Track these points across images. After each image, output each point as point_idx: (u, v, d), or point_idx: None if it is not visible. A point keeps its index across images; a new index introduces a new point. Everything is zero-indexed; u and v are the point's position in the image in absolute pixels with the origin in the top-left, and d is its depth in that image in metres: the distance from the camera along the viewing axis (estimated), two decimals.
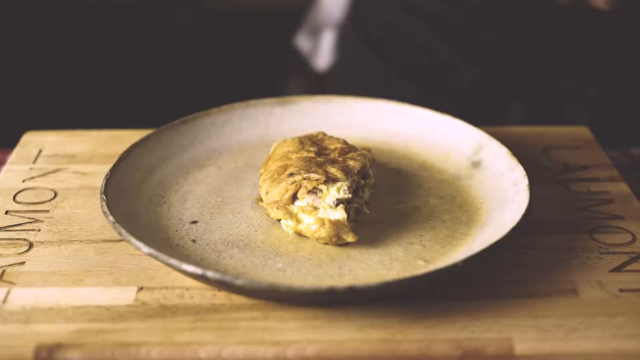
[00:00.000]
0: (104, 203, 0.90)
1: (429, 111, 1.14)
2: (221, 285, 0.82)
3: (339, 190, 0.91)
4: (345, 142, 1.03)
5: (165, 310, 0.83)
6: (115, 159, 1.00)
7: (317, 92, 1.75)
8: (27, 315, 0.82)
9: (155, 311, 0.82)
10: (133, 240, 0.84)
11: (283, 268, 0.87)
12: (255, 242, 0.92)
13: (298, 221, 0.92)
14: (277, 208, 0.92)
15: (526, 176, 0.96)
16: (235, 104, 1.16)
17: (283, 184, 0.93)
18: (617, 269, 0.89)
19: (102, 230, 0.96)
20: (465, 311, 0.82)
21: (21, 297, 0.84)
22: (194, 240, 0.92)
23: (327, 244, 0.91)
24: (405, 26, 1.53)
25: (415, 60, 1.56)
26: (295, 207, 0.92)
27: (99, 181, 1.05)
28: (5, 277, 0.87)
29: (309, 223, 0.91)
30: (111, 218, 0.87)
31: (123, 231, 0.85)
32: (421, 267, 0.87)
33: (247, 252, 0.90)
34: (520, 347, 0.78)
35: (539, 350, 0.78)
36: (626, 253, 0.91)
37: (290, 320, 0.82)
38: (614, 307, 0.83)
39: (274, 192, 0.93)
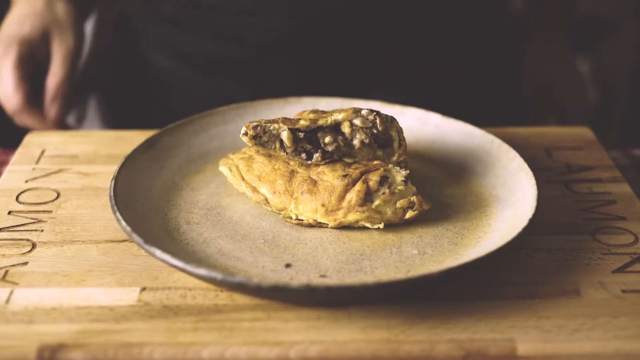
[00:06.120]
0: (115, 208, 0.89)
1: (432, 114, 1.14)
2: (226, 285, 0.82)
3: (399, 171, 0.94)
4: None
5: (168, 311, 0.83)
6: (117, 160, 1.00)
7: None
8: (30, 316, 0.82)
9: (158, 311, 0.83)
10: (147, 247, 0.83)
11: (286, 268, 0.87)
12: (259, 242, 0.92)
13: (379, 213, 0.93)
14: (355, 211, 0.92)
15: (533, 176, 0.96)
16: (243, 104, 1.16)
17: (349, 194, 0.93)
18: (620, 270, 0.89)
19: (105, 230, 0.96)
20: (468, 312, 0.82)
21: (24, 297, 0.84)
22: (199, 241, 0.92)
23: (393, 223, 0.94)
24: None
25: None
26: (374, 202, 0.93)
27: (101, 182, 1.06)
28: (8, 278, 0.87)
29: (395, 209, 0.93)
30: (123, 223, 0.87)
31: (136, 237, 0.84)
32: (424, 268, 0.87)
33: (251, 252, 0.90)
34: (522, 348, 0.78)
35: (541, 351, 0.78)
36: (628, 254, 0.91)
37: (293, 320, 0.82)
38: (616, 308, 0.83)
39: (322, 202, 0.93)
